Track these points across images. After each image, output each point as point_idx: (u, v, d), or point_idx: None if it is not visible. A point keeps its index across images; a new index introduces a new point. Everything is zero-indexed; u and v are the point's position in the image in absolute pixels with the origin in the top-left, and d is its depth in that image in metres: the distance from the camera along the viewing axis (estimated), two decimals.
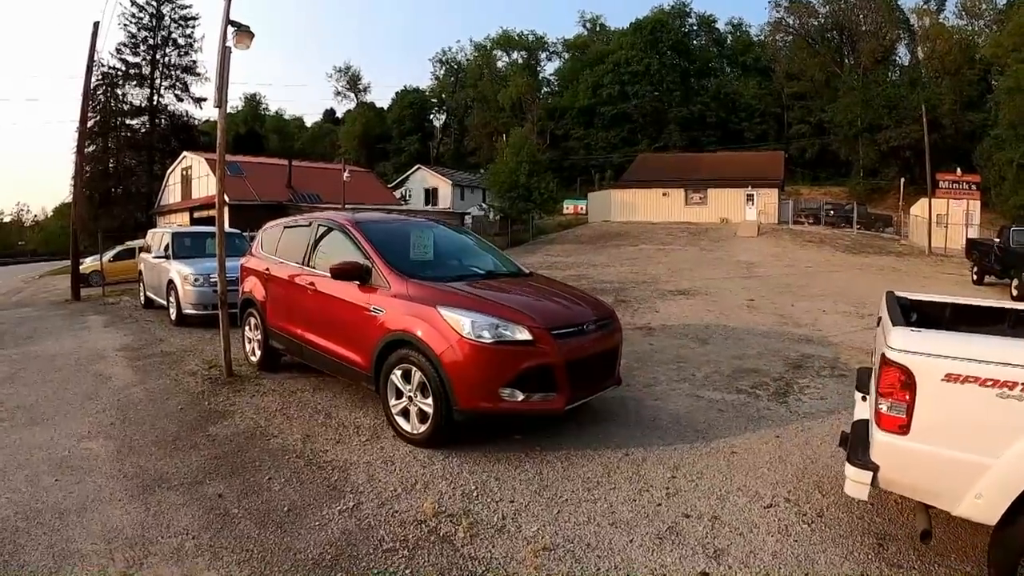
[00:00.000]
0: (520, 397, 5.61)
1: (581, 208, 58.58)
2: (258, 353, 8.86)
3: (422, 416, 5.90)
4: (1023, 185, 48.81)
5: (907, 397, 3.65)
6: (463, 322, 5.63)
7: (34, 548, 4.20)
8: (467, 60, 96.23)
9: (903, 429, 3.68)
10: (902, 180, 48.02)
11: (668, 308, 15.12)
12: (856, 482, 3.85)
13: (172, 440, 6.26)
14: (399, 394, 6.08)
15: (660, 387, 8.15)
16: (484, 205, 55.63)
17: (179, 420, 6.92)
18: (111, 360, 10.23)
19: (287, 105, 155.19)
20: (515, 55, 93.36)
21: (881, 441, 3.77)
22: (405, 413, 6.06)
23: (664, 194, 49.97)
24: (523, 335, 5.66)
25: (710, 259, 28.49)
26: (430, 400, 5.75)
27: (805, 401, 7.54)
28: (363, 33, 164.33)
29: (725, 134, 75.93)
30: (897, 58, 74.90)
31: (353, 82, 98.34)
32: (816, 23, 75.02)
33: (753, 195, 47.24)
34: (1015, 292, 19.11)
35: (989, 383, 3.48)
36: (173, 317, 13.72)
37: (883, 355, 3.77)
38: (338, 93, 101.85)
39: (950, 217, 35.74)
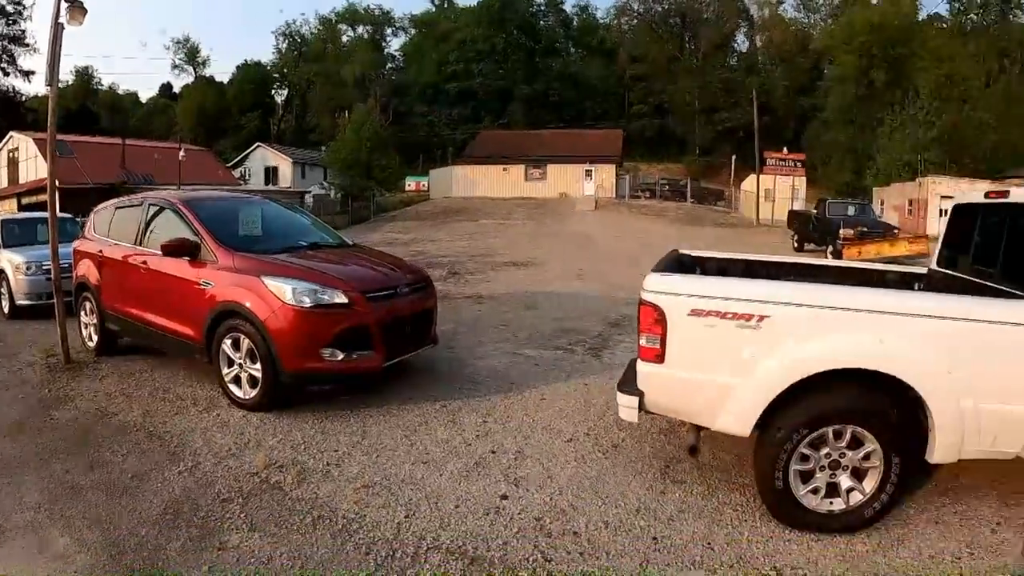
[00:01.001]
0: (340, 356, 6.09)
1: (423, 185, 58.39)
2: (95, 338, 8.80)
3: (252, 382, 6.26)
4: (847, 164, 53.23)
5: (660, 331, 4.21)
6: (285, 289, 6.06)
7: None
8: (311, 34, 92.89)
9: (659, 358, 4.24)
10: (733, 157, 51.07)
11: (501, 278, 15.86)
12: (626, 407, 4.42)
13: (16, 426, 6.34)
14: (230, 362, 6.41)
15: (483, 348, 8.78)
16: (325, 183, 54.74)
17: (21, 408, 6.95)
18: None
19: (122, 79, 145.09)
20: (360, 30, 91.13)
21: (643, 371, 4.35)
22: (237, 380, 6.40)
23: (504, 170, 51.17)
24: (340, 299, 6.15)
25: (547, 232, 29.54)
26: (259, 365, 6.14)
27: (618, 354, 8.22)
28: (203, 2, 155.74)
29: (568, 113, 77.29)
30: (736, 45, 79.57)
31: (192, 55, 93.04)
32: (660, 8, 78.08)
33: (591, 171, 49.02)
34: (830, 257, 20.91)
35: (729, 316, 4.09)
36: (5, 310, 13.23)
37: (640, 296, 4.34)
38: (175, 67, 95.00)
39: (777, 192, 38.73)
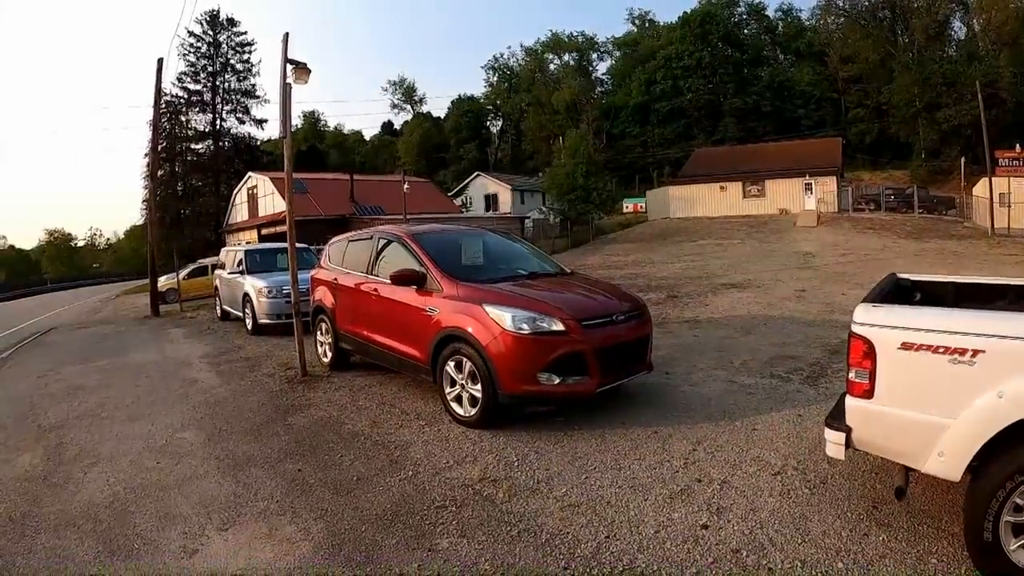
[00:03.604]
0: (556, 381, 6.39)
1: (640, 206, 58.95)
2: (329, 355, 9.87)
3: (472, 401, 6.76)
4: None
5: (870, 365, 4.08)
6: (505, 317, 6.48)
7: (143, 514, 5.16)
8: (519, 65, 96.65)
9: (868, 394, 4.11)
10: (962, 160, 46.96)
11: (718, 301, 15.55)
12: (833, 443, 4.28)
13: (256, 429, 7.24)
14: (452, 383, 6.97)
15: (696, 374, 8.69)
16: (544, 208, 56.34)
17: (261, 413, 7.93)
18: (195, 366, 11.37)
19: (346, 120, 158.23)
20: (566, 57, 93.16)
21: (851, 406, 4.22)
22: (458, 399, 6.93)
23: (722, 188, 49.98)
24: (557, 326, 6.44)
25: (767, 251, 28.70)
26: (479, 386, 6.62)
27: (835, 384, 7.84)
28: (414, 45, 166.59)
29: (781, 123, 74.79)
30: (952, 32, 72.19)
31: (408, 94, 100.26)
32: (867, 3, 73.29)
33: (811, 184, 46.75)
34: None
35: (941, 350, 3.85)
36: (249, 327, 14.81)
37: (850, 329, 4.21)
38: (394, 106, 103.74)
39: (1013, 196, 34.62)
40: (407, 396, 8.14)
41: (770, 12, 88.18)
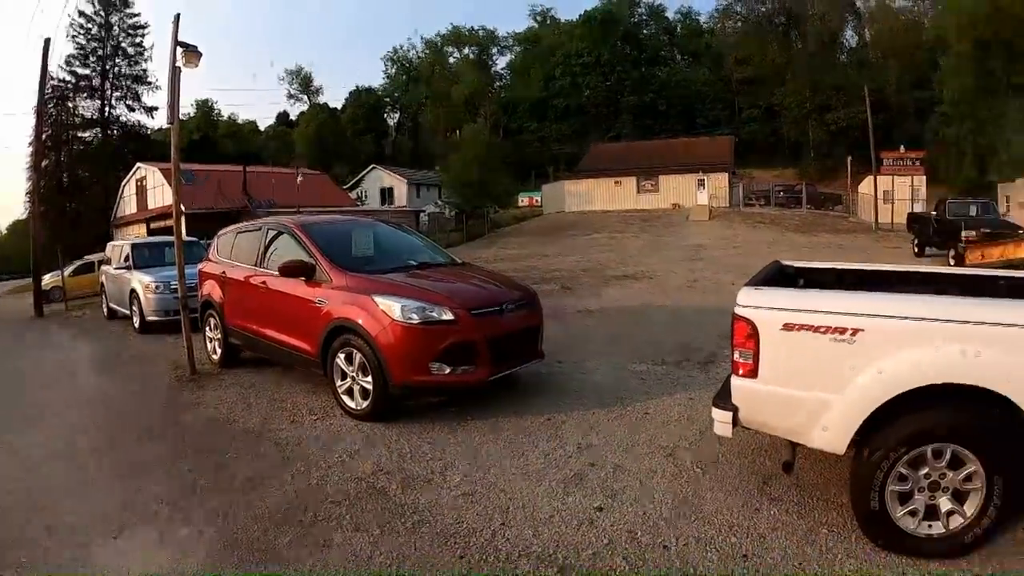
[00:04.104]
0: (447, 370, 6.39)
1: (536, 200, 59.06)
2: (219, 351, 9.51)
3: (364, 393, 6.63)
4: (969, 161, 50.44)
5: (753, 346, 4.21)
6: (394, 307, 6.41)
7: (30, 524, 4.87)
8: (419, 58, 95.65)
9: (752, 373, 4.23)
10: (849, 159, 49.19)
11: (612, 292, 15.82)
12: (721, 422, 4.40)
13: (145, 431, 6.94)
14: (343, 375, 6.82)
15: (590, 363, 8.80)
16: (440, 202, 56.03)
17: (150, 415, 7.62)
18: (82, 368, 10.86)
19: (240, 109, 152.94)
20: (466, 51, 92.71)
21: (736, 385, 4.35)
22: (350, 392, 6.79)
23: (617, 183, 50.97)
24: (447, 315, 6.43)
25: (660, 244, 29.32)
26: (370, 378, 6.50)
27: (726, 369, 7.87)
28: (313, 34, 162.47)
29: (677, 121, 76.56)
30: (845, 41, 76.16)
31: (305, 84, 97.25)
32: (764, 8, 75.89)
33: (704, 180, 48.22)
34: (952, 262, 19.92)
35: (822, 330, 4.02)
36: (137, 325, 14.18)
37: (733, 311, 4.35)
38: (291, 96, 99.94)
39: (896, 193, 36.76)
40: (299, 391, 7.94)
41: (670, 14, 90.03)
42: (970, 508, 3.95)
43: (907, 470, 3.97)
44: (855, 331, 3.97)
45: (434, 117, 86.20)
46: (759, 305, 4.28)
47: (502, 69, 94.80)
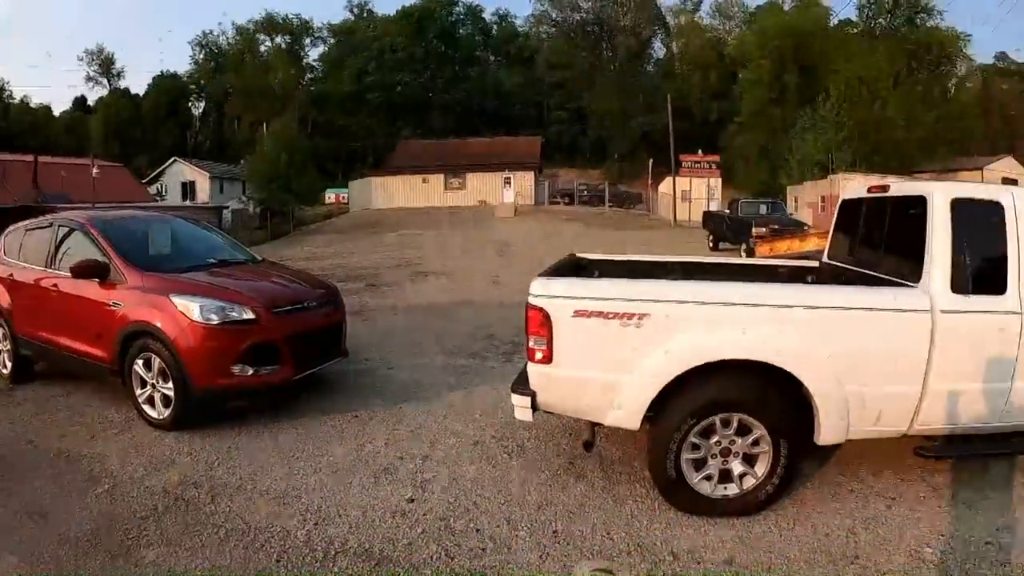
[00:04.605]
0: (250, 372, 6.22)
1: (343, 197, 58.38)
2: (9, 364, 8.49)
3: (166, 401, 6.28)
4: (762, 165, 55.35)
5: (546, 333, 4.42)
6: (192, 307, 6.16)
7: None
8: (229, 44, 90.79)
9: (547, 359, 4.46)
10: (651, 161, 52.31)
11: (418, 289, 16.02)
12: (520, 407, 4.64)
13: None
14: (143, 383, 6.42)
15: (397, 358, 8.91)
16: (244, 198, 54.25)
17: None
18: None
19: (34, 92, 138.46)
20: (279, 39, 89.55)
21: (533, 371, 4.59)
22: (151, 400, 6.39)
23: (424, 180, 51.51)
24: (247, 315, 6.26)
25: (466, 241, 29.67)
26: (171, 384, 6.18)
27: None
28: (115, 11, 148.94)
29: (488, 121, 77.85)
30: (653, 52, 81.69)
31: (106, 66, 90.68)
32: (578, 17, 79.35)
33: (510, 178, 49.70)
34: (744, 255, 21.48)
35: (611, 315, 4.33)
36: None
37: (527, 301, 4.54)
38: (90, 79, 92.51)
39: (693, 193, 40.11)
40: (98, 404, 7.34)
41: (487, 15, 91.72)
42: (760, 469, 4.49)
43: (699, 439, 4.43)
44: (641, 316, 4.32)
45: (242, 108, 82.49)
46: (551, 294, 4.50)
47: (315, 61, 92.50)
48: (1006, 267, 4.62)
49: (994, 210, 4.72)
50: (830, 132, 42.97)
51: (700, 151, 44.04)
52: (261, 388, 6.48)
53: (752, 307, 4.39)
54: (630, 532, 4.31)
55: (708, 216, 30.18)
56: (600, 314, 4.36)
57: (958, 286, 4.51)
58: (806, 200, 37.25)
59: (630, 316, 4.33)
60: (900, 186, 5.56)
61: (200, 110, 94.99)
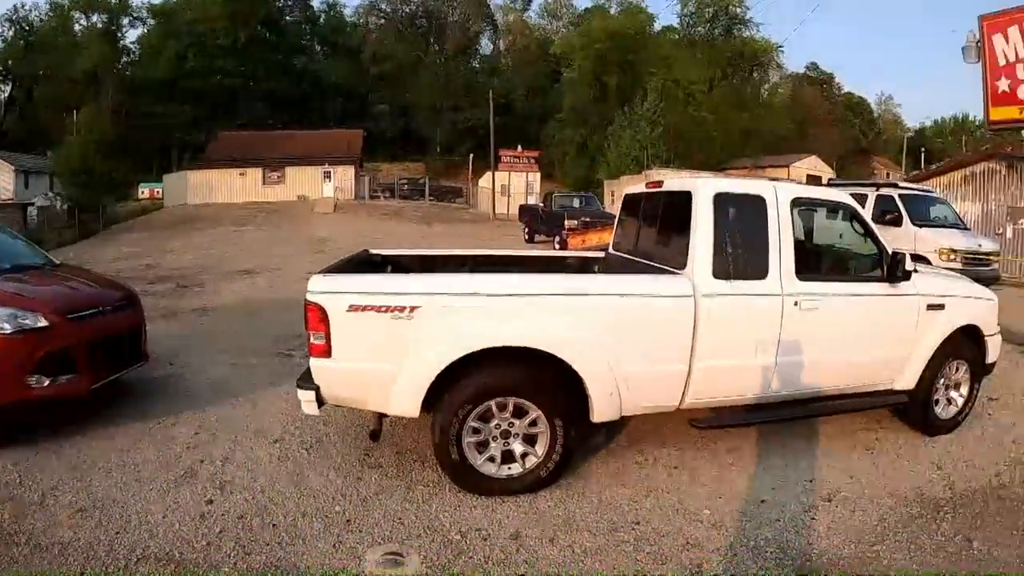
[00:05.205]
0: (46, 382, 5.91)
1: (157, 192, 56.06)
2: None
3: None
4: (581, 161, 57.68)
5: (324, 328, 4.63)
6: None
7: None
8: (41, 21, 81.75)
9: (327, 353, 4.67)
10: (471, 156, 53.39)
11: (230, 288, 15.97)
12: (306, 401, 4.85)
13: None
14: None
15: (203, 361, 8.91)
16: (51, 194, 50.60)
17: None
18: None
19: None
20: (95, 18, 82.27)
21: (315, 366, 4.81)
22: None
23: (242, 174, 50.55)
24: (41, 322, 5.93)
25: (284, 237, 29.56)
26: None
27: None
28: None
29: (309, 112, 76.48)
30: (480, 48, 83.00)
31: None
32: (408, 9, 79.50)
33: (331, 172, 49.86)
34: (557, 246, 22.92)
35: (383, 309, 4.61)
36: None
37: (305, 298, 4.74)
38: None
39: (513, 187, 41.27)
40: None
41: (315, 4, 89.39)
42: (540, 448, 4.91)
43: (479, 423, 4.82)
44: (412, 308, 4.64)
45: (52, 93, 75.00)
46: (327, 290, 4.73)
47: (132, 43, 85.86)
48: (767, 254, 5.23)
49: (757, 203, 5.34)
50: (646, 130, 45.59)
51: (520, 146, 45.51)
52: (60, 399, 6.19)
53: (520, 297, 4.79)
54: (420, 516, 4.64)
55: (524, 209, 31.34)
56: (373, 308, 4.62)
57: (720, 272, 5.10)
58: (622, 194, 38.99)
59: (401, 309, 4.62)
60: (672, 182, 6.04)
61: (6, 95, 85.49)
